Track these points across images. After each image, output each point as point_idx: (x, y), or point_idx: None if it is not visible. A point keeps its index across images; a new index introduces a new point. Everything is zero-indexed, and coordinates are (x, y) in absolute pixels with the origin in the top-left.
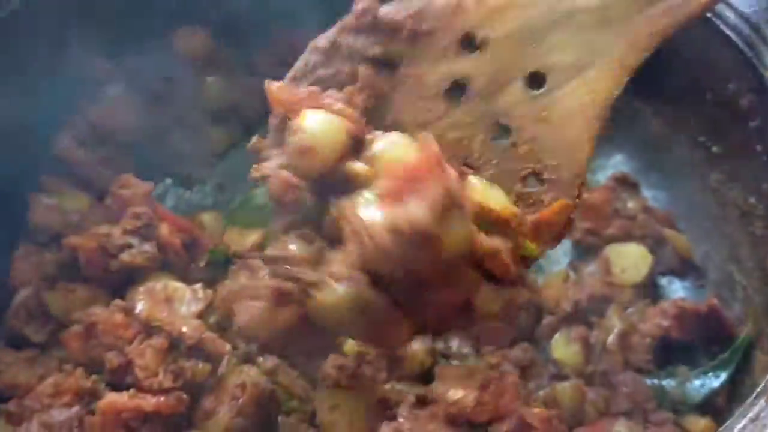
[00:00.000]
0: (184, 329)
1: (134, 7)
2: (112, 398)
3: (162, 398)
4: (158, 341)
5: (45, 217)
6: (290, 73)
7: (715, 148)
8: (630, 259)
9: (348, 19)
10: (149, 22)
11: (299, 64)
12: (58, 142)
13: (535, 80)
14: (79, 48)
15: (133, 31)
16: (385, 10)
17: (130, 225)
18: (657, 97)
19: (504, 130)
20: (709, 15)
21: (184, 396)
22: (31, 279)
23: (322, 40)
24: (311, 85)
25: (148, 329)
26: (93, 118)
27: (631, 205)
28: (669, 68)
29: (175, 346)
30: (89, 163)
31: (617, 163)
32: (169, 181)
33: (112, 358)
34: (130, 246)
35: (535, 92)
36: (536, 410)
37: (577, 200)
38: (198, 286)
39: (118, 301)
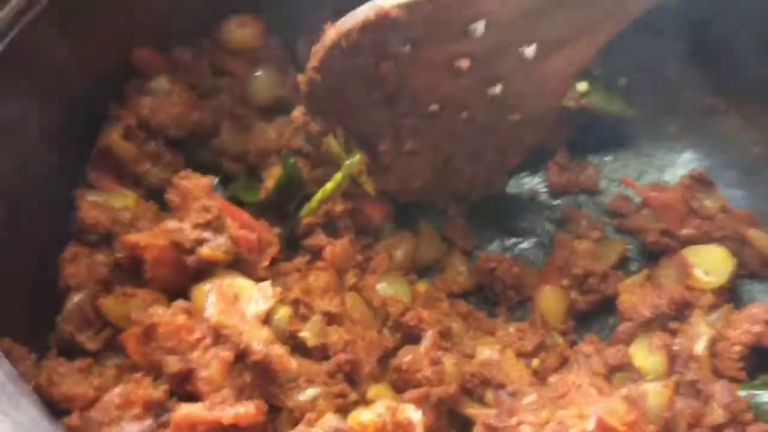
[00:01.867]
0: (254, 344)
1: None
2: (188, 410)
3: (241, 409)
4: (224, 353)
5: (94, 215)
6: (314, 63)
7: None
8: (711, 262)
9: (368, 18)
10: (197, 12)
11: (323, 57)
12: (104, 136)
13: (527, 51)
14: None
15: (180, 23)
16: (402, 10)
17: (201, 219)
18: (733, 92)
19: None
20: None
21: (263, 405)
22: (83, 282)
23: (344, 38)
24: (335, 74)
25: (215, 336)
26: (141, 112)
27: (708, 204)
28: (746, 61)
29: (240, 358)
30: (137, 159)
31: (687, 162)
32: (217, 179)
33: (174, 364)
34: (206, 240)
35: (526, 59)
36: (620, 408)
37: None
38: (266, 284)
39: (180, 302)
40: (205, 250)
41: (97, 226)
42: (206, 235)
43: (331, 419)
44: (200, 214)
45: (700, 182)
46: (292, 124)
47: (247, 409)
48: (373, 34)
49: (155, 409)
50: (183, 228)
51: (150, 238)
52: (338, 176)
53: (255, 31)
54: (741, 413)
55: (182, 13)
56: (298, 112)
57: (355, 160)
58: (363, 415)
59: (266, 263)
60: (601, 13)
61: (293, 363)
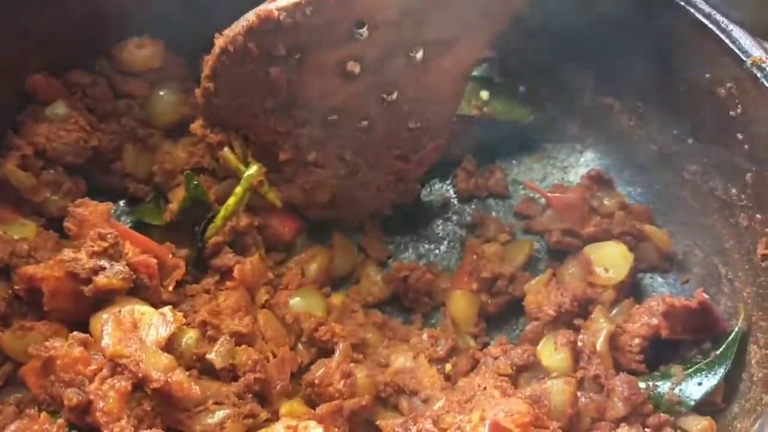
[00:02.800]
0: (152, 372)
1: (77, 20)
2: None
3: None
4: (122, 384)
5: None
6: (206, 71)
7: (690, 140)
8: (611, 258)
9: (252, 22)
10: (93, 35)
11: (214, 65)
12: (0, 166)
13: (415, 54)
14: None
15: (74, 44)
16: (283, 12)
17: (97, 246)
18: (626, 92)
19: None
20: (681, 3)
21: None
22: None
23: (227, 42)
24: (228, 82)
25: (112, 366)
26: (37, 140)
27: (607, 202)
28: (638, 61)
29: (139, 387)
30: (35, 188)
31: (588, 161)
32: (122, 203)
33: (72, 397)
34: (102, 269)
35: (415, 63)
36: (520, 408)
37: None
38: (167, 309)
39: (76, 334)
40: (101, 279)
41: None
42: (102, 263)
43: None
44: (96, 242)
45: (598, 181)
46: (201, 143)
47: None
48: (259, 38)
49: None
50: (78, 258)
51: (46, 269)
52: (238, 190)
53: (154, 52)
54: (641, 405)
55: (76, 36)
56: (196, 124)
57: (253, 172)
58: None
59: (171, 287)
60: (478, 13)
61: (195, 389)
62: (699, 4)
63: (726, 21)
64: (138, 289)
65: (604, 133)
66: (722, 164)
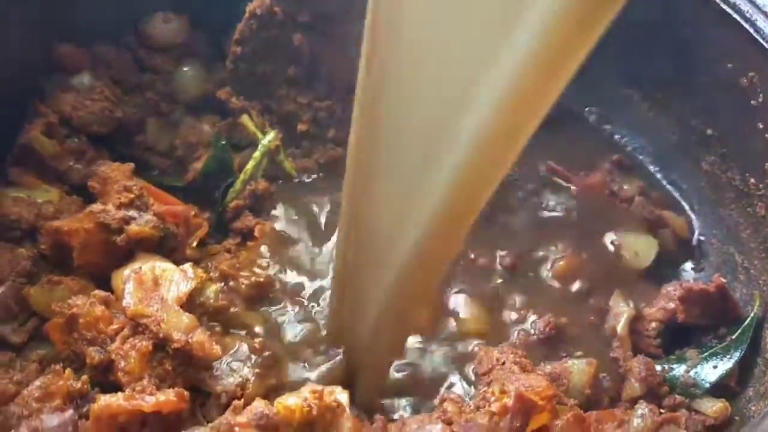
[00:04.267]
0: (174, 333)
1: None
2: (107, 400)
3: (162, 397)
4: (143, 344)
5: (17, 210)
6: (236, 36)
7: (709, 131)
8: (637, 245)
9: None
10: (120, 8)
11: (242, 28)
12: (26, 132)
13: None
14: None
15: (104, 18)
16: None
17: (124, 198)
18: (647, 82)
19: None
20: None
21: (186, 393)
22: (4, 276)
23: (256, 5)
24: (255, 46)
25: (134, 326)
26: (62, 108)
27: (627, 187)
28: (658, 51)
29: (161, 347)
30: (59, 156)
31: (611, 148)
32: None
33: (94, 355)
34: (132, 218)
35: None
36: (541, 383)
37: None
38: (187, 265)
39: (98, 292)
40: (133, 228)
41: (20, 222)
42: (131, 213)
43: (258, 406)
44: (122, 194)
45: (620, 167)
46: (226, 119)
47: (167, 397)
48: (285, 2)
49: (76, 400)
50: (107, 209)
51: (75, 222)
52: (256, 154)
53: (179, 27)
54: (657, 386)
55: (105, 8)
56: (222, 91)
57: (270, 137)
58: (289, 400)
59: (195, 243)
60: None
61: (217, 348)
62: None
63: (751, 10)
64: (163, 245)
65: (624, 123)
66: (741, 154)
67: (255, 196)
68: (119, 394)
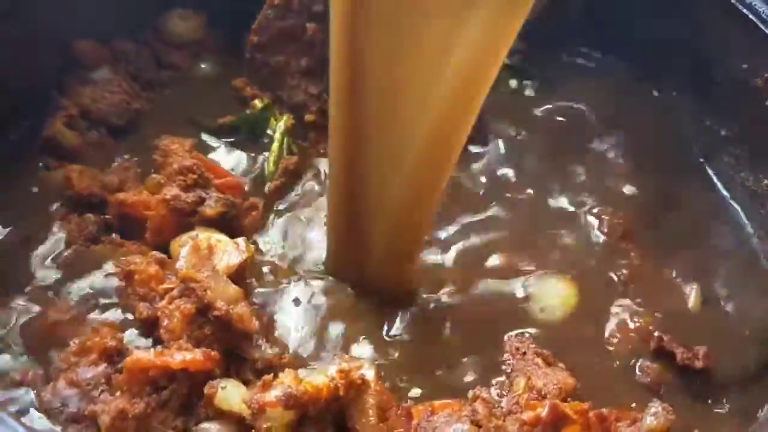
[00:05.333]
0: (218, 301)
1: None
2: (138, 356)
3: (189, 356)
4: (187, 306)
5: (86, 184)
6: (254, 26)
7: (723, 132)
8: None
9: None
10: (138, 4)
11: (261, 18)
12: (49, 125)
13: None
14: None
15: (123, 13)
16: None
17: (189, 180)
18: (660, 82)
19: None
20: None
21: (214, 353)
22: (75, 239)
23: None
24: (272, 36)
25: (182, 288)
26: (82, 101)
27: None
28: (674, 52)
29: (203, 312)
30: (81, 148)
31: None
32: None
33: (143, 311)
34: (202, 200)
35: None
36: (569, 382)
37: None
38: (241, 239)
39: (155, 253)
40: (207, 210)
41: (90, 195)
42: (200, 193)
43: (286, 384)
44: (186, 176)
45: None
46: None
47: (194, 356)
48: None
49: (114, 357)
50: (179, 194)
51: (150, 202)
52: (277, 136)
53: (197, 24)
54: None
55: (124, 5)
56: (238, 80)
57: (284, 119)
58: (317, 379)
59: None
60: None
61: (255, 323)
62: None
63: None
64: (224, 217)
65: (637, 118)
66: (754, 155)
67: (289, 172)
68: (151, 350)
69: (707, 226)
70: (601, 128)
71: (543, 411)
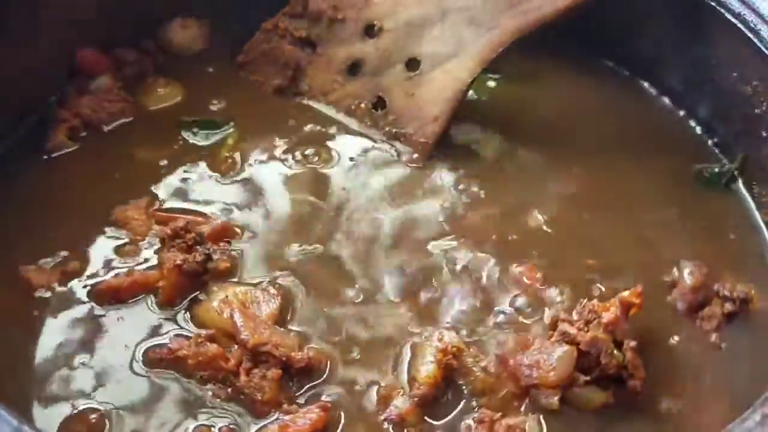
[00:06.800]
0: (293, 353)
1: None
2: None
3: (312, 416)
4: (273, 372)
5: None
6: (246, 47)
7: (714, 139)
8: None
9: (286, 7)
10: (140, 12)
11: (253, 40)
12: (51, 139)
13: (413, 65)
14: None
15: (122, 22)
16: (312, 1)
17: (189, 240)
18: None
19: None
20: (712, 3)
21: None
22: None
23: (269, 23)
24: (258, 56)
25: (252, 356)
26: (82, 111)
27: None
28: (664, 61)
29: (286, 370)
30: None
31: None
32: None
33: (220, 393)
34: (208, 257)
35: (410, 74)
36: None
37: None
38: (265, 283)
39: (201, 332)
40: (217, 265)
41: None
42: (201, 250)
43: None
44: (184, 237)
45: None
46: None
47: (318, 415)
48: (288, 19)
49: None
50: (186, 257)
51: (160, 277)
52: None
53: (198, 33)
54: None
55: (125, 14)
56: None
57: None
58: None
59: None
60: (473, 35)
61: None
62: (729, 5)
63: (756, 20)
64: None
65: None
66: (745, 162)
67: None
68: (275, 426)
69: None
70: (589, 132)
71: (617, 309)
